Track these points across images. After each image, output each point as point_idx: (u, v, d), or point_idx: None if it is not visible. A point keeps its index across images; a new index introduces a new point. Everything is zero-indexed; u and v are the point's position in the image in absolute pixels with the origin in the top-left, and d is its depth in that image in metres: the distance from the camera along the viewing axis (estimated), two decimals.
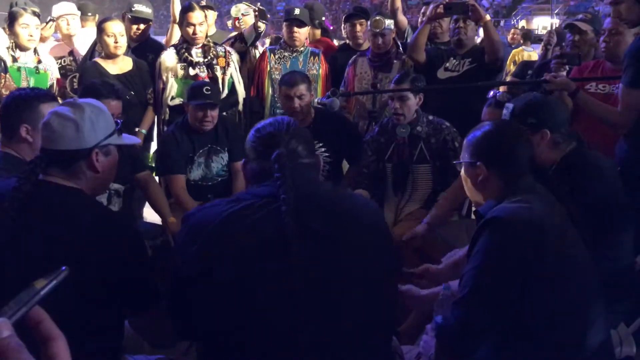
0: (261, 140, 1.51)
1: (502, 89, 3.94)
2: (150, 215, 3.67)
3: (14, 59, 3.66)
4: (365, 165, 3.41)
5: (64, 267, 0.64)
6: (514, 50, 8.70)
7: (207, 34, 4.01)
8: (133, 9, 4.23)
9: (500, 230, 1.58)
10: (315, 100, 3.35)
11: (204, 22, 3.92)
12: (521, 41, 9.27)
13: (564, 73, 3.16)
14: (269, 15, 4.30)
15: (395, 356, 1.71)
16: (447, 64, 3.85)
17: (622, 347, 2.24)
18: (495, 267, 1.57)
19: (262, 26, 4.09)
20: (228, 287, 1.35)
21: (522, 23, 15.92)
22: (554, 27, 4.95)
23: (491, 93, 3.01)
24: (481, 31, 3.92)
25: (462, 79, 3.77)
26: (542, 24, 15.15)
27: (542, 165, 2.13)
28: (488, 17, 3.75)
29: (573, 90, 2.87)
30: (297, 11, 4.18)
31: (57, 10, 4.44)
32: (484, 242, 1.60)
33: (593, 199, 2.05)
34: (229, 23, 5.59)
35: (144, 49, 4.30)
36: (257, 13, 4.05)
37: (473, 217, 3.21)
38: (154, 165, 3.47)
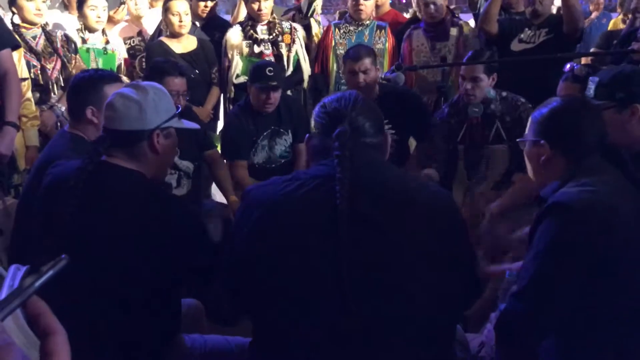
0: (326, 115, 1.45)
1: (582, 61, 3.70)
2: (219, 193, 3.69)
3: (84, 41, 3.75)
4: (434, 147, 3.26)
5: (63, 255, 0.59)
6: (613, 20, 8.05)
7: (272, 10, 3.96)
8: None
9: (562, 217, 1.45)
10: (380, 75, 3.23)
11: None
12: (618, 10, 8.52)
13: None
14: None
15: (455, 346, 1.62)
16: (522, 35, 3.62)
17: None
18: (556, 256, 1.45)
19: None
20: (277, 268, 1.34)
21: None
22: None
23: (568, 66, 2.78)
24: None
25: (538, 50, 3.54)
26: None
27: (635, 145, 1.96)
28: None
29: None
30: None
31: None
32: (544, 230, 1.48)
33: None
34: None
35: (211, 27, 4.31)
36: None
37: None
38: (218, 145, 3.48)
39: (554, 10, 3.93)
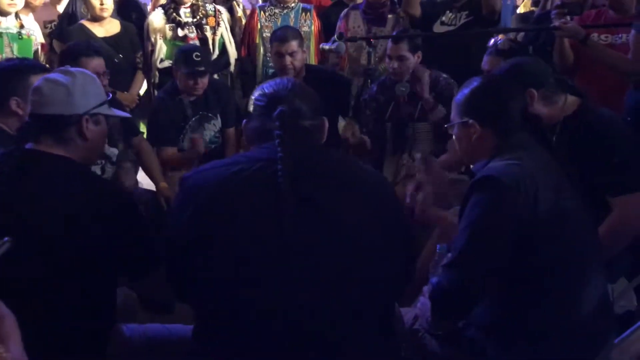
0: (265, 97, 1.48)
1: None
2: (144, 179, 3.62)
3: None
4: (365, 125, 3.33)
5: (6, 238, 0.58)
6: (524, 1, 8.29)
7: None
8: None
9: (490, 189, 1.55)
10: (321, 45, 3.25)
11: None
12: None
13: None
14: None
15: (396, 323, 1.68)
16: (444, 18, 3.73)
17: (622, 302, 2.23)
18: (485, 226, 1.54)
19: None
20: (220, 253, 1.34)
21: None
22: None
23: (492, 41, 2.93)
24: None
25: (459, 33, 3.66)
26: None
27: (546, 125, 2.08)
28: None
29: (583, 37, 2.81)
30: None
31: None
32: (474, 202, 1.57)
33: (614, 153, 2.01)
34: None
35: (126, 8, 4.22)
36: None
37: None
38: (144, 131, 3.41)
39: None
